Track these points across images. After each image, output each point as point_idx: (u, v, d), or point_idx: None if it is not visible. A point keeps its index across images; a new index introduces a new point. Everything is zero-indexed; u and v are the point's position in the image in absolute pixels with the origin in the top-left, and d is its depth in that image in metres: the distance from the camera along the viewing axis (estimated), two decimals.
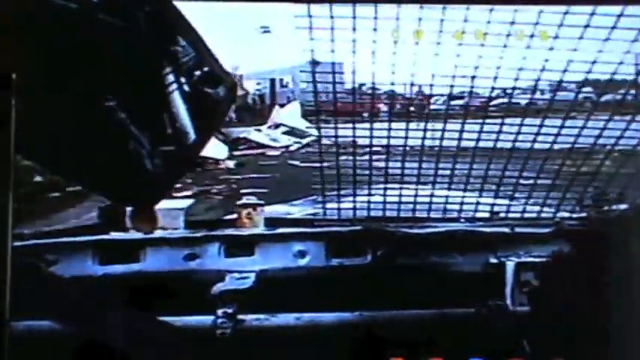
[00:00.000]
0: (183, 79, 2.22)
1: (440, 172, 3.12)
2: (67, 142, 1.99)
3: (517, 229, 3.04)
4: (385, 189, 3.17)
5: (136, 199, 2.24)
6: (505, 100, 3.08)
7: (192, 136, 2.25)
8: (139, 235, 2.94)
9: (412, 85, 3.08)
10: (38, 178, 2.67)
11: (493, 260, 2.89)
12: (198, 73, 2.24)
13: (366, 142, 3.09)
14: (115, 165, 2.11)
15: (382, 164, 3.15)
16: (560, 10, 2.44)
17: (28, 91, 1.73)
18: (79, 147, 2.01)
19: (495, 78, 2.85)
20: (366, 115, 3.07)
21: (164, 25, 2.11)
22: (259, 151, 3.75)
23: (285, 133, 3.77)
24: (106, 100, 2.07)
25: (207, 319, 2.65)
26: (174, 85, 2.20)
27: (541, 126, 2.91)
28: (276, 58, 3.30)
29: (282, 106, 3.74)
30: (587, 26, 2.49)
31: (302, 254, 3.02)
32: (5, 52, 1.75)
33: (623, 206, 2.86)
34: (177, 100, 2.21)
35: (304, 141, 3.61)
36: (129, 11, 2.03)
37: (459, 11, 2.50)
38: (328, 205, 3.27)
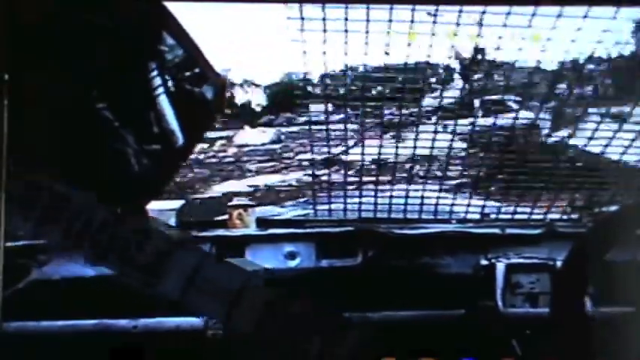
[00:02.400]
0: (172, 82, 2.22)
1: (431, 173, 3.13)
2: (55, 143, 1.98)
3: (508, 231, 3.05)
4: (376, 190, 3.18)
5: (126, 200, 2.23)
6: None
7: (181, 137, 2.25)
8: None
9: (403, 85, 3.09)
10: None
11: (484, 261, 2.90)
12: (187, 74, 2.24)
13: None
14: (104, 166, 2.11)
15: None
16: (553, 13, 2.45)
17: (15, 91, 1.72)
18: (67, 147, 2.00)
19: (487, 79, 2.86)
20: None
21: (154, 26, 2.11)
22: None
23: None
24: (94, 101, 2.06)
25: (198, 320, 2.64)
26: (164, 87, 2.19)
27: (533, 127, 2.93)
28: None
29: None
30: (579, 29, 2.50)
31: (292, 255, 3.01)
32: None
33: (613, 208, 2.88)
34: (166, 102, 2.20)
35: None
36: (119, 14, 2.03)
37: (451, 13, 2.50)
38: (319, 207, 3.28)
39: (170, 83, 2.21)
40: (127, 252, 1.85)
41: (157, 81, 2.18)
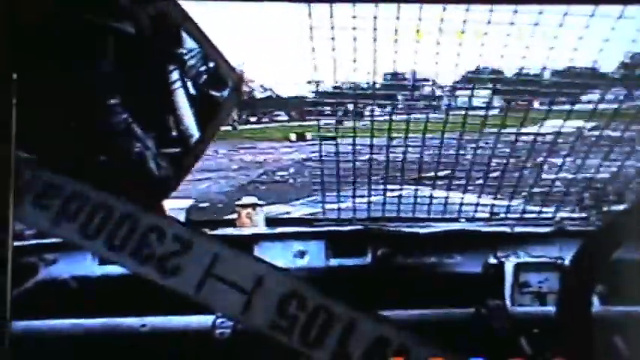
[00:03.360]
0: (187, 78, 2.21)
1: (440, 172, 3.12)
2: (73, 143, 1.99)
3: (517, 229, 3.04)
4: (385, 189, 3.17)
5: (141, 200, 2.23)
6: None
7: (196, 135, 2.25)
8: None
9: (413, 83, 3.09)
10: None
11: (493, 260, 2.89)
12: (203, 68, 2.23)
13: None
14: (119, 165, 2.11)
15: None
16: (560, 10, 2.44)
17: (35, 94, 1.73)
18: (84, 148, 2.01)
19: (495, 79, 2.86)
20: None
21: (169, 24, 2.11)
22: None
23: None
24: (111, 101, 2.07)
25: (207, 320, 2.64)
26: (179, 84, 2.19)
27: (541, 126, 2.92)
28: None
29: None
30: (587, 27, 2.49)
31: (302, 254, 3.02)
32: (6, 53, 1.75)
33: (622, 206, 2.87)
34: (181, 98, 2.20)
35: None
36: (134, 12, 2.03)
37: (459, 11, 2.49)
38: (328, 205, 3.28)
39: (186, 80, 2.21)
40: (143, 247, 1.86)
41: (173, 78, 2.18)
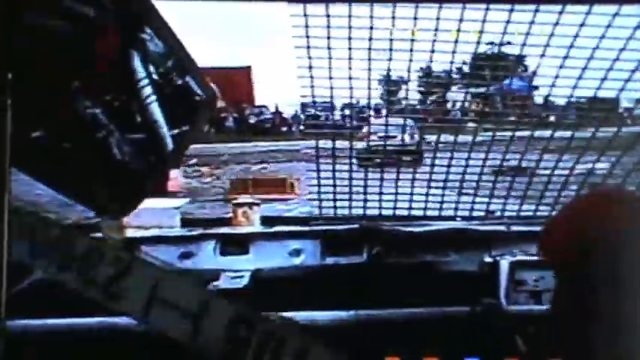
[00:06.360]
0: (163, 89, 2.19)
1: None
2: (46, 150, 1.96)
3: (513, 228, 3.05)
4: (381, 187, 3.17)
5: (114, 210, 2.21)
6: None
7: (170, 147, 2.23)
8: (134, 234, 2.93)
9: (407, 82, 3.09)
10: None
11: (488, 259, 2.90)
12: (179, 82, 2.21)
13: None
14: (94, 175, 2.09)
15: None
16: (555, 10, 2.44)
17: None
18: (57, 155, 1.99)
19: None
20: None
21: (144, 32, 2.09)
22: None
23: None
24: (84, 108, 2.04)
25: None
26: (154, 96, 2.17)
27: (537, 124, 2.92)
28: None
29: None
30: (582, 25, 2.49)
31: (297, 253, 3.01)
32: None
33: None
34: (156, 110, 2.18)
35: None
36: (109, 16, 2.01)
37: (454, 10, 2.49)
38: (324, 204, 3.27)
39: (162, 91, 2.19)
40: (83, 270, 1.83)
41: (148, 88, 2.16)
